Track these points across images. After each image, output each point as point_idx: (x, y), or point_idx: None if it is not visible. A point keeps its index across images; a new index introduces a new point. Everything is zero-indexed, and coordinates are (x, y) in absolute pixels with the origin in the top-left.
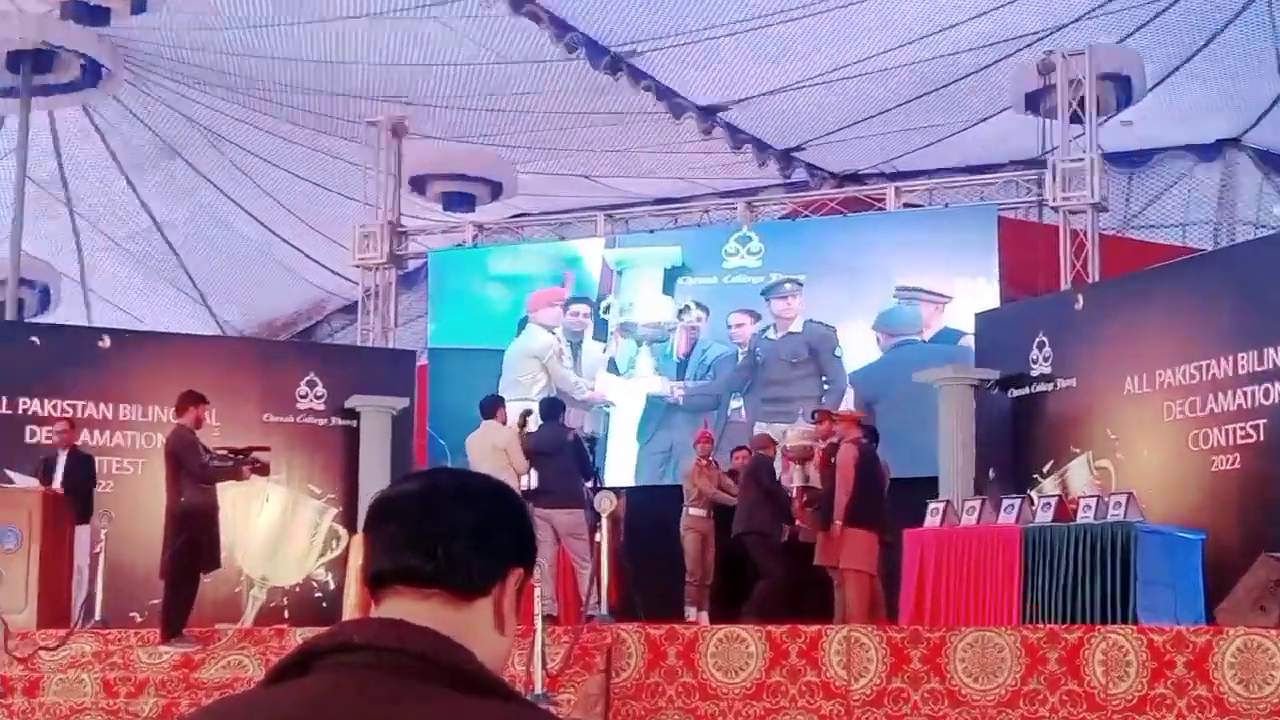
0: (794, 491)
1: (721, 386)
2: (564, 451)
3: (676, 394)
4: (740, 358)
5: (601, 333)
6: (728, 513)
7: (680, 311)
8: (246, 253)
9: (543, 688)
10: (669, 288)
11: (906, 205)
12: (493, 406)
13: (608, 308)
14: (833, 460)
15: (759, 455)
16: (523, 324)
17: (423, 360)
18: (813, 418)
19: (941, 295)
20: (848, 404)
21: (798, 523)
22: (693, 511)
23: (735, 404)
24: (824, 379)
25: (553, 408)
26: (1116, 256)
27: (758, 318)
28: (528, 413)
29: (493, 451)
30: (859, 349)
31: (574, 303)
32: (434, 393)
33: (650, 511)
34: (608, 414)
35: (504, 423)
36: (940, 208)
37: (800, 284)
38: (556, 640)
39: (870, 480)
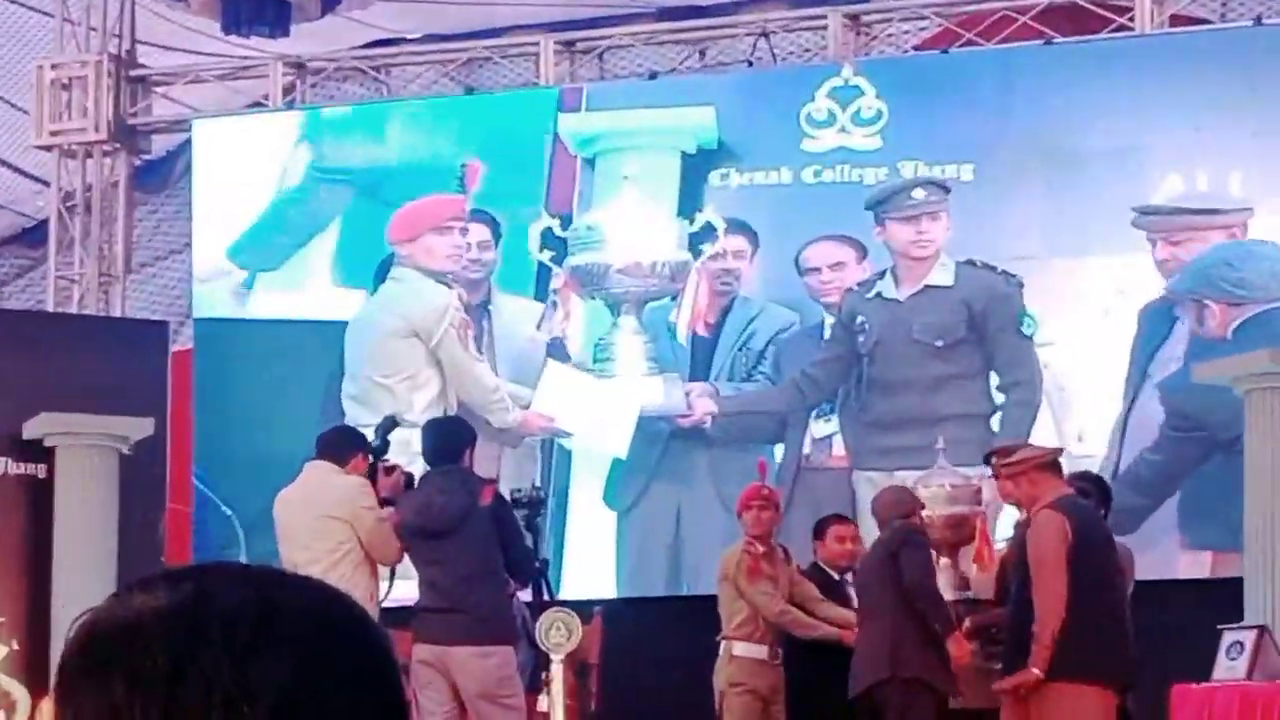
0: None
1: (789, 395)
2: (473, 527)
3: (699, 410)
4: (827, 333)
5: (543, 286)
6: (809, 653)
7: (699, 240)
8: None
9: None
10: (688, 194)
11: (1175, 24)
12: (341, 447)
13: (551, 237)
14: (1005, 544)
15: (903, 529)
16: (385, 270)
17: (182, 342)
18: (988, 461)
19: (1235, 209)
20: (1047, 432)
21: (955, 660)
22: (741, 650)
23: (820, 429)
24: (999, 379)
25: (449, 439)
26: None
27: (863, 253)
28: (388, 428)
29: (326, 525)
30: (1074, 319)
31: (485, 222)
32: (205, 404)
33: (649, 647)
34: (567, 450)
35: (361, 473)
36: (1243, 27)
37: (947, 190)
38: None
39: (1096, 585)
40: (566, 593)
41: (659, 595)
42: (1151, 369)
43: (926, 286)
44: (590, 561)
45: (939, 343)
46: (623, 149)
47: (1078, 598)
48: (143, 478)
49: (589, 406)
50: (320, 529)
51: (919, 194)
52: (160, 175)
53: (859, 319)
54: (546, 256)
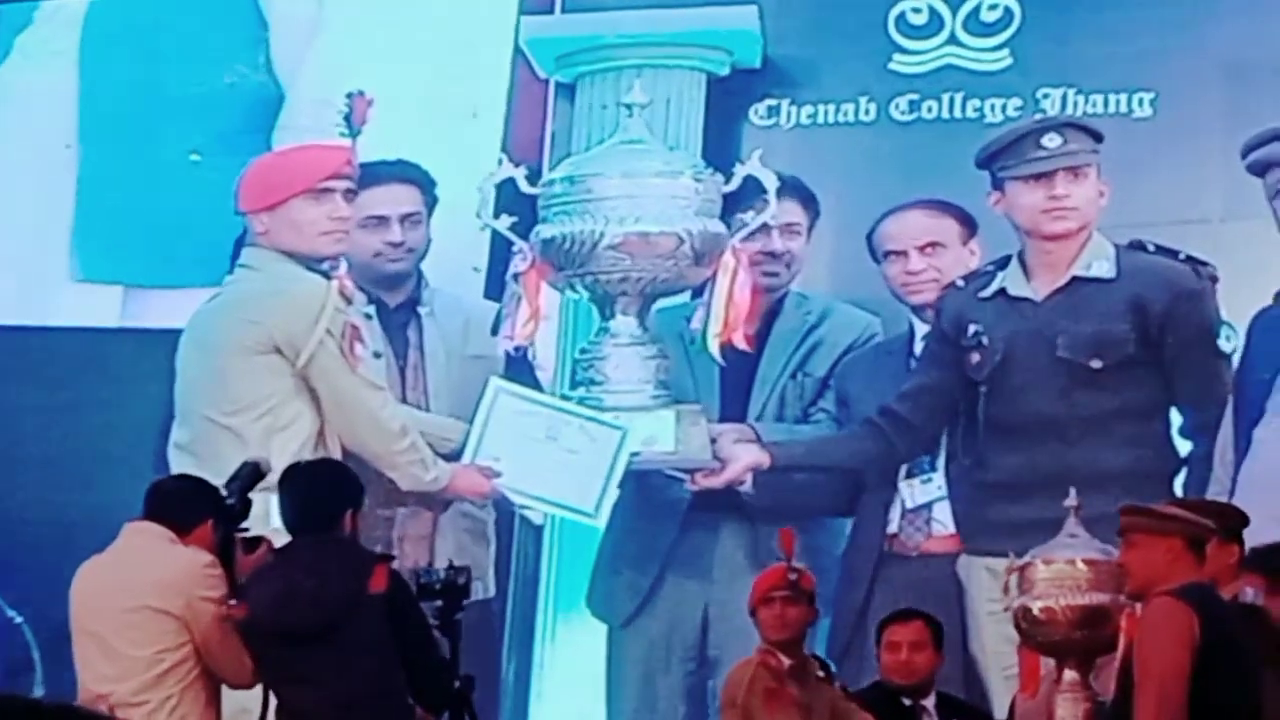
0: None
1: (867, 443)
2: (359, 627)
3: (734, 464)
4: (919, 344)
5: (497, 272)
6: None
7: (737, 205)
8: None
9: None
10: (720, 136)
11: None
12: (182, 505)
13: (511, 196)
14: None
15: None
16: (238, 249)
17: None
18: (1150, 510)
19: None
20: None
21: None
22: None
23: (916, 493)
24: (1184, 418)
25: (321, 495)
26: None
27: (970, 229)
28: (250, 480)
29: (147, 622)
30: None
31: (385, 182)
32: None
33: None
34: (533, 525)
35: (208, 546)
36: None
37: (1096, 137)
38: None
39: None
40: None
41: None
42: None
43: (1075, 280)
44: (567, 697)
45: (1096, 363)
46: (619, 68)
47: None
48: None
49: (560, 456)
50: (137, 627)
51: (1052, 140)
52: None
53: (971, 329)
54: (505, 224)
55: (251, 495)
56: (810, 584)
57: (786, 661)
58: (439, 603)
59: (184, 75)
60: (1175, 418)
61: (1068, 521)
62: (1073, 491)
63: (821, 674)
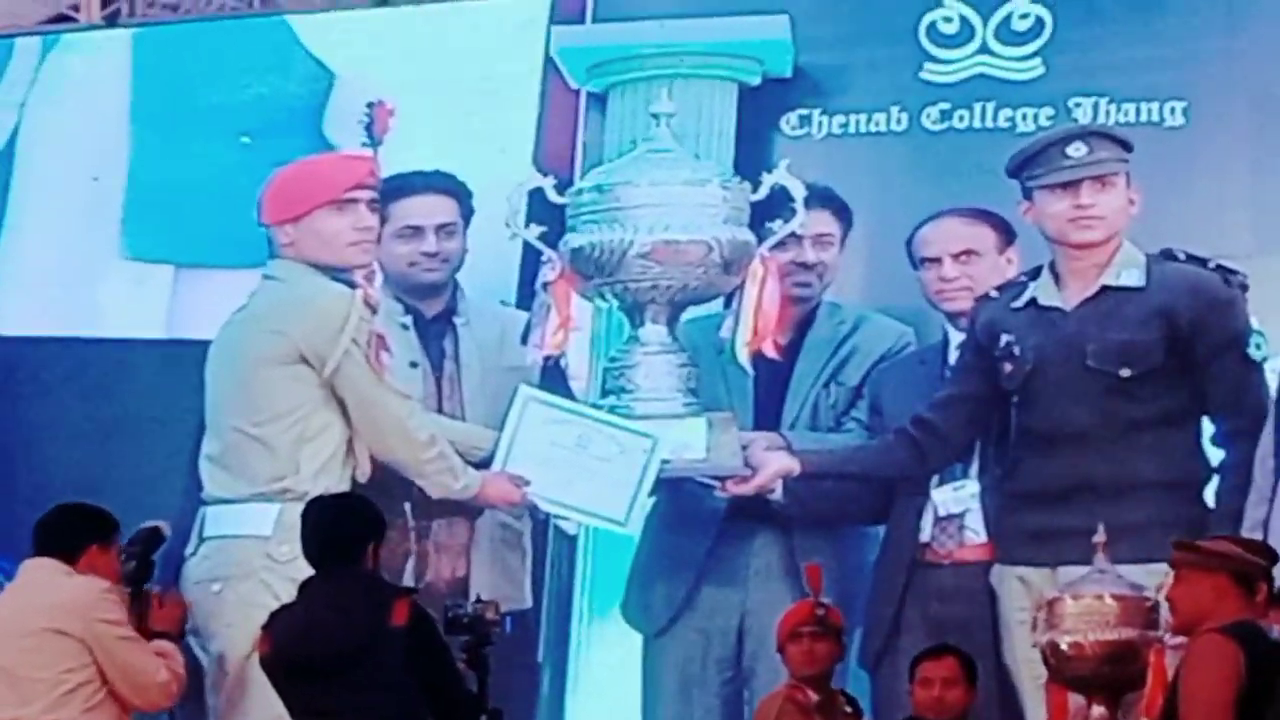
0: None
1: (899, 452)
2: (379, 661)
3: (766, 471)
4: (954, 353)
5: (527, 281)
6: None
7: (767, 214)
8: None
9: None
10: (750, 145)
11: None
12: (68, 535)
13: (541, 205)
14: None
15: None
16: (269, 260)
17: None
18: (1193, 544)
19: None
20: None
21: None
22: None
23: (948, 502)
24: (1216, 428)
25: (342, 527)
26: None
27: (1007, 238)
28: (148, 545)
29: (47, 645)
30: None
31: (421, 192)
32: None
33: None
34: (567, 535)
35: (102, 570)
36: None
37: (1126, 147)
38: None
39: None
40: None
41: None
42: None
43: (1104, 289)
44: (602, 708)
45: (1125, 372)
46: (650, 78)
47: None
48: None
49: (590, 465)
50: (38, 650)
51: (1077, 150)
52: None
53: (1004, 339)
54: (535, 234)
55: (154, 558)
56: (838, 619)
57: (814, 697)
58: (467, 637)
59: (232, 78)
60: (1207, 426)
61: (1096, 557)
62: (1100, 528)
63: (849, 709)
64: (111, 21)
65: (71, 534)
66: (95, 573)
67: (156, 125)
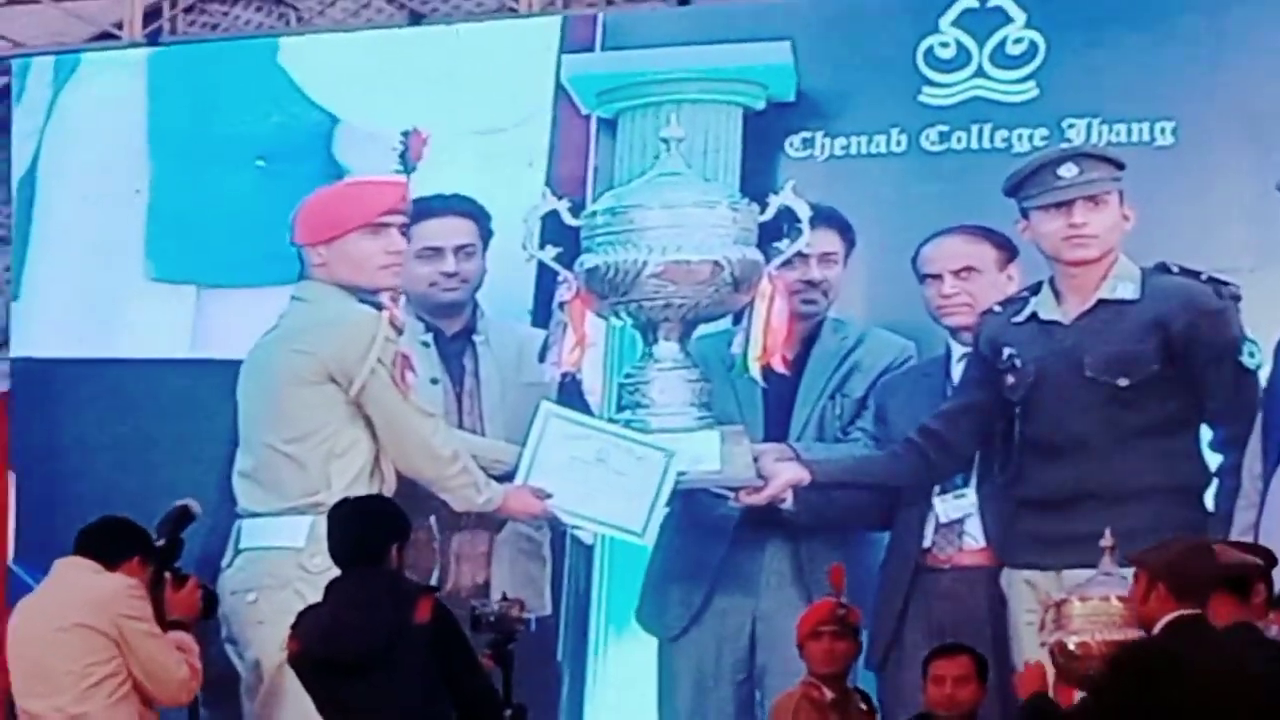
0: None
1: (905, 461)
2: (404, 658)
3: (776, 481)
4: (957, 370)
5: (543, 301)
6: None
7: (773, 234)
8: None
9: None
10: (756, 167)
11: None
12: (109, 542)
13: (556, 227)
14: None
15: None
16: (300, 278)
17: None
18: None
19: None
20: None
21: None
22: None
23: (950, 509)
24: (1213, 433)
25: (367, 530)
26: None
27: (1008, 255)
28: (179, 522)
29: (76, 640)
30: None
31: (440, 215)
32: (30, 470)
33: None
34: (584, 545)
35: (140, 575)
36: None
37: (1117, 165)
38: None
39: None
40: None
41: None
42: None
43: (1101, 302)
44: (620, 709)
45: (1123, 381)
46: (658, 103)
47: None
48: None
49: (609, 478)
50: (67, 644)
51: (1069, 170)
52: None
53: (1006, 352)
54: (550, 255)
55: (184, 536)
56: (857, 619)
57: (830, 694)
58: (491, 635)
59: (248, 113)
60: (1205, 433)
61: (1103, 560)
62: (1107, 532)
63: (864, 706)
64: (154, 39)
65: (114, 543)
66: (136, 575)
67: (175, 149)
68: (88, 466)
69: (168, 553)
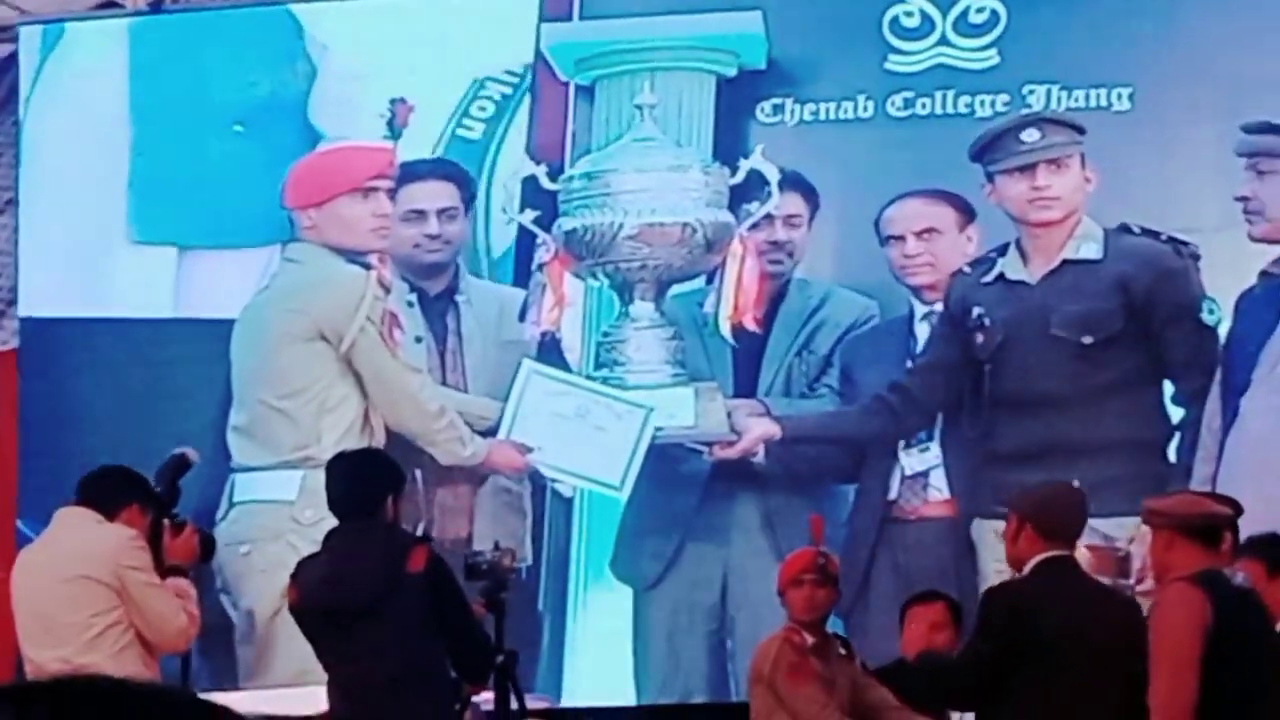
0: None
1: (874, 416)
2: (400, 605)
3: (748, 436)
4: (919, 329)
5: (523, 262)
6: None
7: (744, 197)
8: None
9: None
10: (728, 133)
11: None
12: (108, 491)
13: (534, 191)
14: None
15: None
16: (290, 240)
17: (2, 339)
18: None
19: None
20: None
21: None
22: None
23: (914, 462)
24: (1174, 387)
25: (363, 481)
26: None
27: (967, 217)
28: (177, 470)
29: (78, 590)
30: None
31: (424, 178)
32: (36, 430)
33: None
34: (564, 498)
35: (136, 527)
36: None
37: (1078, 130)
38: None
39: (1245, 696)
40: (568, 699)
41: (697, 703)
42: None
43: (1065, 262)
44: (598, 656)
45: (1087, 339)
46: (634, 71)
47: (1214, 709)
48: None
49: (588, 433)
50: (69, 596)
51: (1030, 135)
52: None
53: (975, 311)
54: (529, 218)
55: (181, 484)
56: (836, 568)
57: (810, 639)
58: (484, 583)
59: (227, 80)
60: (1167, 388)
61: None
62: (1075, 483)
63: (843, 651)
64: (156, 8)
65: (114, 491)
66: (128, 526)
67: (158, 115)
68: (89, 424)
69: (166, 500)
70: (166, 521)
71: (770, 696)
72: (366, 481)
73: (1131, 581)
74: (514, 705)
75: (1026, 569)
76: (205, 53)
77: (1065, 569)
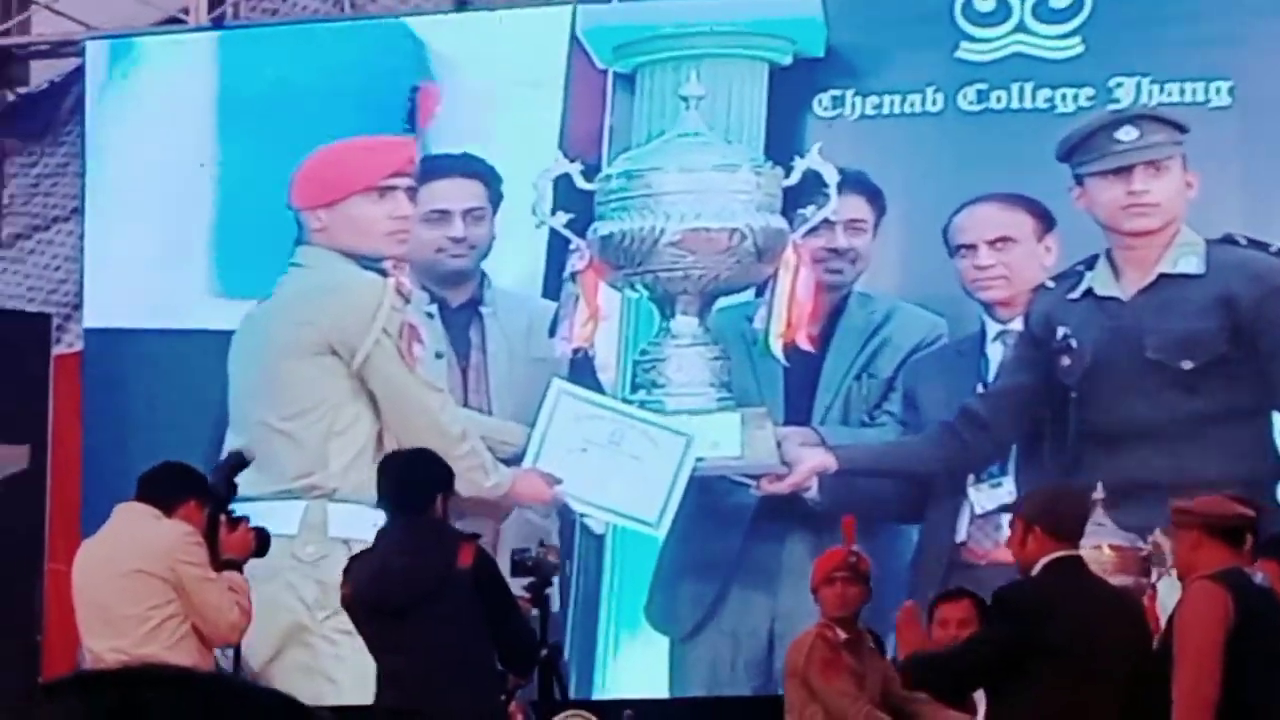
0: None
1: (941, 447)
2: (449, 599)
3: (800, 468)
4: (993, 349)
5: (554, 271)
6: None
7: (799, 200)
8: None
9: None
10: (782, 128)
11: None
12: (167, 488)
13: (568, 191)
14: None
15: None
16: (297, 244)
17: (68, 342)
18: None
19: None
20: None
21: None
22: None
23: (986, 498)
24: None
25: (415, 479)
26: None
27: (1046, 225)
28: (234, 467)
29: (136, 584)
30: None
31: (451, 175)
32: (100, 428)
33: None
34: (594, 535)
35: (193, 523)
36: None
37: (1180, 129)
38: None
39: (1270, 690)
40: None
41: (734, 695)
42: None
43: (1162, 277)
44: (633, 659)
45: (1187, 364)
46: (678, 58)
47: (1235, 706)
48: (12, 528)
49: (623, 462)
50: (127, 589)
51: (1127, 134)
52: (40, 116)
53: (1060, 331)
54: (561, 221)
55: (238, 480)
56: (867, 566)
57: (842, 635)
58: (530, 579)
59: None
60: (1277, 421)
61: (1094, 512)
62: (1099, 485)
63: (874, 646)
64: (218, 24)
65: (172, 486)
66: (186, 523)
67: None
68: (150, 431)
69: (222, 496)
70: (223, 517)
71: (804, 690)
72: (418, 479)
73: (1153, 580)
74: (558, 697)
75: (1036, 569)
76: (283, 67)
77: (1075, 569)
